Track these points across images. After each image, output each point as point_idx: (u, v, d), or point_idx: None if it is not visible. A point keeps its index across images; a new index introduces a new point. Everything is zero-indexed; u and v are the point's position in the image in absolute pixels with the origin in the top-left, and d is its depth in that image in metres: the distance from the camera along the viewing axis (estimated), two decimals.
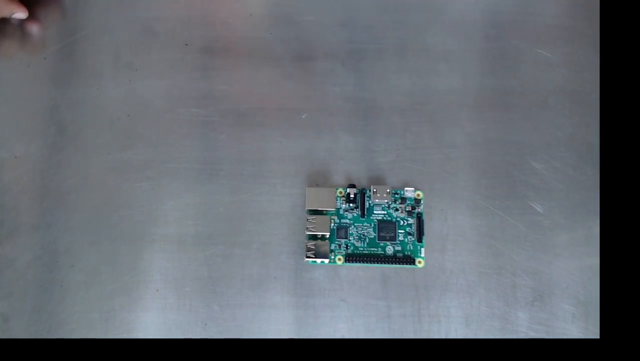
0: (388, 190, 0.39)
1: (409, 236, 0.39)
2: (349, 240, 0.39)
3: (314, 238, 0.39)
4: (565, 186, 0.40)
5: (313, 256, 0.38)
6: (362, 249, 0.39)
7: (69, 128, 0.41)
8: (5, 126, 0.41)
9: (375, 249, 0.39)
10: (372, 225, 0.39)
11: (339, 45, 0.43)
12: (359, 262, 0.38)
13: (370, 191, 0.39)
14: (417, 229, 0.39)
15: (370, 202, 0.40)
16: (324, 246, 0.39)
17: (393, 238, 0.39)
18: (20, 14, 0.42)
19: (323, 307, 0.39)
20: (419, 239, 0.39)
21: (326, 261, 0.38)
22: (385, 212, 0.40)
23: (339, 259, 0.39)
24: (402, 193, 0.40)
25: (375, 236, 0.39)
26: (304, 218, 0.40)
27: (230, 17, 0.44)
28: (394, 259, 0.39)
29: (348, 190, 0.39)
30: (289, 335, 0.38)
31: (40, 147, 0.41)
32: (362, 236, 0.39)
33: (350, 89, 0.42)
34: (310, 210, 0.39)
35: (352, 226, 0.39)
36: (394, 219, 0.40)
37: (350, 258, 0.39)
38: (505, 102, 0.42)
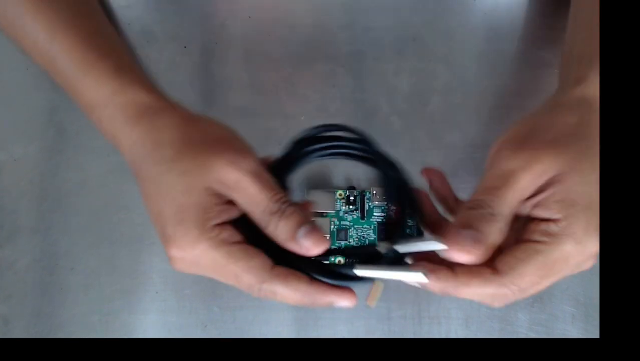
0: None
1: None
2: (349, 242, 0.39)
3: None
4: None
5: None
6: None
7: (68, 130, 0.41)
8: (4, 128, 0.41)
9: None
10: (372, 227, 0.39)
11: (338, 47, 0.43)
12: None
13: (369, 192, 0.39)
14: (417, 231, 0.39)
15: (369, 204, 0.40)
16: None
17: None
18: None
19: (323, 309, 0.38)
20: None
21: (326, 262, 0.38)
22: (385, 214, 0.40)
23: (339, 260, 0.39)
24: None
25: (375, 238, 0.39)
26: None
27: (229, 19, 0.44)
28: None
29: (348, 192, 0.39)
30: (289, 337, 0.38)
31: (39, 149, 0.41)
32: (361, 237, 0.39)
33: (349, 91, 0.42)
34: None
35: (352, 228, 0.39)
36: None
37: None
38: (505, 103, 0.42)
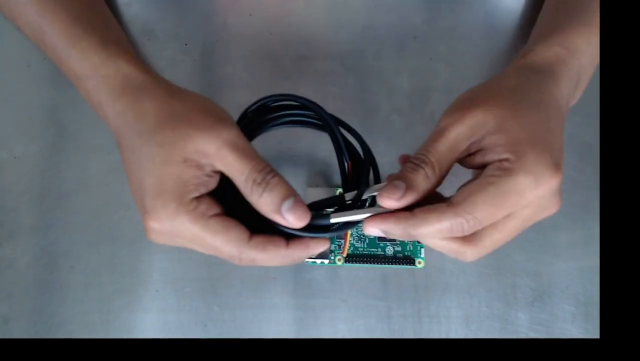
0: None
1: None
2: (349, 240, 0.39)
3: None
4: (565, 186, 0.40)
5: (313, 257, 0.38)
6: (362, 249, 0.39)
7: (69, 129, 0.41)
8: (4, 127, 0.41)
9: (375, 249, 0.39)
10: None
11: (339, 46, 0.43)
12: (359, 262, 0.38)
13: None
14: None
15: None
16: None
17: (393, 239, 0.39)
18: None
19: (323, 308, 0.39)
20: None
21: (326, 261, 0.38)
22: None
23: (339, 259, 0.39)
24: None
25: (375, 237, 0.39)
26: None
27: (230, 17, 0.44)
28: (394, 259, 0.39)
29: None
30: (289, 336, 0.38)
31: (40, 148, 0.41)
32: (361, 236, 0.39)
33: (349, 89, 0.42)
34: None
35: None
36: None
37: (350, 258, 0.38)
38: None
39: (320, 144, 0.41)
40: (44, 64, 0.42)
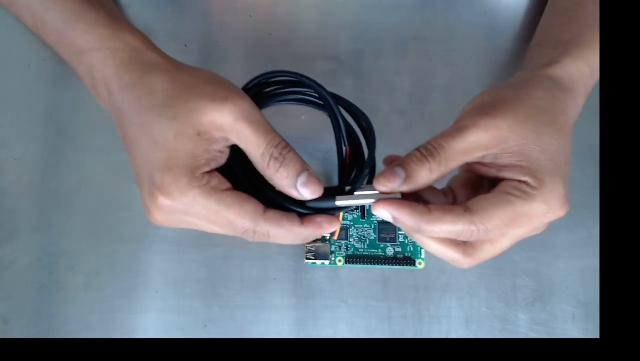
0: None
1: (409, 237, 0.39)
2: (349, 241, 0.39)
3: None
4: None
5: (313, 258, 0.38)
6: (362, 250, 0.39)
7: (68, 129, 0.41)
8: (4, 128, 0.41)
9: (375, 250, 0.39)
10: (372, 226, 0.39)
11: (339, 46, 0.43)
12: (359, 263, 0.38)
13: None
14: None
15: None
16: (324, 247, 0.38)
17: (393, 239, 0.39)
18: None
19: (323, 308, 0.38)
20: None
21: (326, 262, 0.38)
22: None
23: (339, 260, 0.39)
24: None
25: (375, 237, 0.39)
26: None
27: (229, 18, 0.44)
28: (394, 260, 0.39)
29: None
30: (289, 336, 0.38)
31: (39, 148, 0.41)
32: (362, 237, 0.39)
33: (349, 90, 0.42)
34: None
35: (352, 227, 0.39)
36: None
37: (350, 259, 0.38)
38: None
39: (320, 145, 0.41)
40: (44, 64, 0.42)
